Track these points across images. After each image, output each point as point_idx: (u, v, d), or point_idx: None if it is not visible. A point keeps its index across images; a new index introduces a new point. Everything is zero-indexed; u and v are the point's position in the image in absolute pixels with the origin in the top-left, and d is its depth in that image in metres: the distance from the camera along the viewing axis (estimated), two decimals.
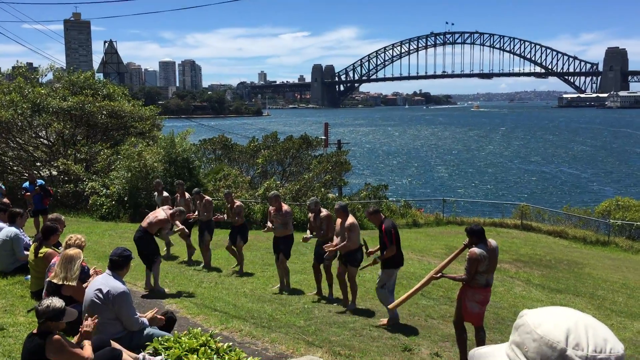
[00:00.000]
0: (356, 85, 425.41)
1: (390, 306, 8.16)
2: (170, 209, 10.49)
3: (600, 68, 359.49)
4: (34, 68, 33.36)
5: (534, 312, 1.38)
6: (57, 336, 4.88)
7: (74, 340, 5.18)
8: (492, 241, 7.07)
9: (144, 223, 9.99)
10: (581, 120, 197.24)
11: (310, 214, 10.42)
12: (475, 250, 6.85)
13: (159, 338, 5.83)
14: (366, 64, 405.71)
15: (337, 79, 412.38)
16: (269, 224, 10.91)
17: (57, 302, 4.97)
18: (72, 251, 6.72)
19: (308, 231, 10.51)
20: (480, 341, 7.17)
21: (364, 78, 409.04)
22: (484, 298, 7.05)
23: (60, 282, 6.54)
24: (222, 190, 21.11)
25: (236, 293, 10.22)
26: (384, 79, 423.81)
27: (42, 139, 26.63)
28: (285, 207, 10.89)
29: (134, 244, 10.07)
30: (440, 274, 7.31)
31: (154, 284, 9.79)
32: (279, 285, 11.00)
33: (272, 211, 10.86)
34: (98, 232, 16.79)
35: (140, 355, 5.57)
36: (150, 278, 9.83)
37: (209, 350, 5.46)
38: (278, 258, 10.87)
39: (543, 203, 37.84)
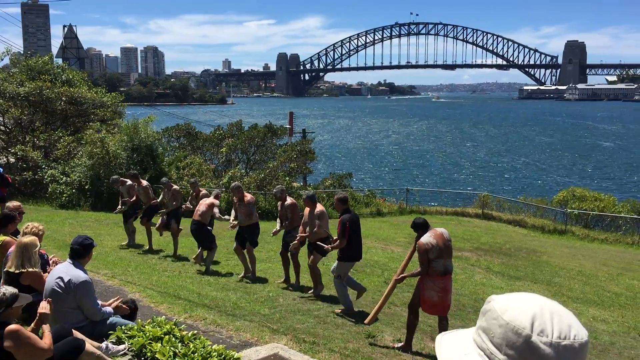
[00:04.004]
0: (321, 74, 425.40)
1: (365, 321, 7.91)
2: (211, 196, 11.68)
3: (560, 61, 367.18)
4: None
5: (501, 297, 1.36)
6: (15, 325, 4.78)
7: (31, 326, 5.09)
8: (438, 229, 7.20)
9: (196, 216, 11.05)
10: (541, 111, 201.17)
11: (278, 203, 10.45)
12: (421, 240, 7.02)
13: (122, 327, 5.77)
14: (331, 53, 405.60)
15: (302, 67, 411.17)
16: (232, 220, 10.83)
17: (9, 288, 4.87)
18: (26, 239, 6.55)
19: (277, 223, 10.51)
20: (444, 330, 7.23)
21: (329, 67, 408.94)
22: (443, 286, 7.11)
23: (17, 271, 6.39)
24: (187, 179, 20.89)
25: (200, 281, 10.17)
26: (349, 69, 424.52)
27: None
28: (248, 196, 10.85)
29: (192, 236, 11.42)
30: (401, 275, 7.44)
31: (205, 266, 11.13)
32: (243, 272, 10.98)
33: (235, 201, 10.82)
34: (58, 221, 16.45)
35: (103, 345, 5.50)
36: (204, 254, 11.29)
37: (173, 339, 5.42)
38: (244, 246, 10.85)
39: (503, 193, 38.54)
